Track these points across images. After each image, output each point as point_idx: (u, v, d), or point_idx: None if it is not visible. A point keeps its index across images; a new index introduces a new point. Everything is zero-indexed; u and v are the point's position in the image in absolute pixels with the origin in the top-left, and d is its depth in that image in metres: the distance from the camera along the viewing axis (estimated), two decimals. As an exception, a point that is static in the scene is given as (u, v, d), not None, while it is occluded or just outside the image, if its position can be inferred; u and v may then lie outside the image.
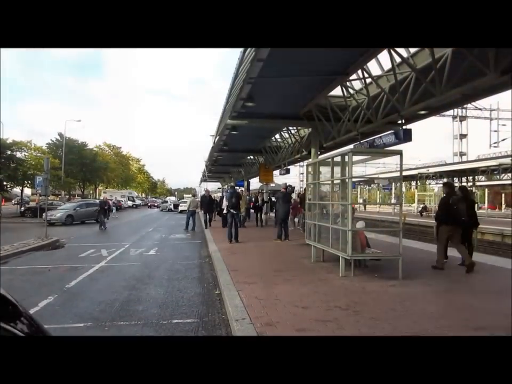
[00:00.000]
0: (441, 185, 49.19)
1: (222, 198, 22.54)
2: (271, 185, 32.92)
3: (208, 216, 20.74)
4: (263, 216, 21.75)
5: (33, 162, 41.80)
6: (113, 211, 32.76)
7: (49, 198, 25.98)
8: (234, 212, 13.62)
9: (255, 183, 43.99)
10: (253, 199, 23.51)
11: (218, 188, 64.22)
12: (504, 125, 38.37)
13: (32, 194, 51.96)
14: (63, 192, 55.18)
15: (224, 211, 14.33)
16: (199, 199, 23.23)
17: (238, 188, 28.55)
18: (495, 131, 38.29)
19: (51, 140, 54.82)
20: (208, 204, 21.07)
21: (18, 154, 42.36)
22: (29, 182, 39.97)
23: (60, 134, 52.49)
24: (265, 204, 22.78)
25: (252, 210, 22.65)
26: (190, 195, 32.32)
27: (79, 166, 53.97)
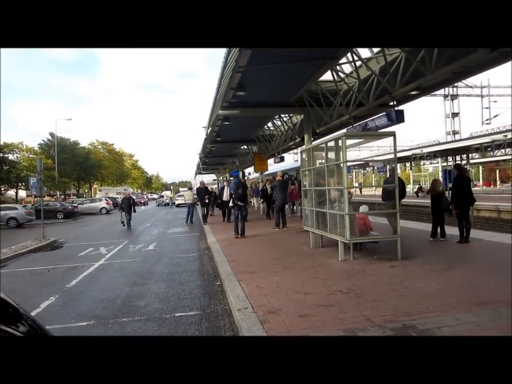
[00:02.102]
0: (436, 164, 49.48)
1: (222, 189, 20.27)
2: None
3: (205, 210, 19.21)
4: (262, 205, 20.19)
5: (26, 164, 41.64)
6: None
7: (44, 199, 25.80)
8: (241, 204, 12.60)
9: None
10: (264, 187, 19.72)
11: (213, 180, 64.04)
12: (496, 101, 38.53)
13: (27, 196, 51.74)
14: (58, 192, 54.96)
15: (230, 203, 13.63)
16: (195, 192, 21.80)
17: (246, 178, 26.88)
18: (486, 108, 38.49)
19: (42, 140, 54.50)
20: (205, 196, 19.32)
21: (10, 157, 42.14)
22: (23, 184, 39.80)
23: (51, 134, 52.04)
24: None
25: (253, 200, 21.09)
26: (186, 188, 32.19)
27: (72, 165, 53.69)
